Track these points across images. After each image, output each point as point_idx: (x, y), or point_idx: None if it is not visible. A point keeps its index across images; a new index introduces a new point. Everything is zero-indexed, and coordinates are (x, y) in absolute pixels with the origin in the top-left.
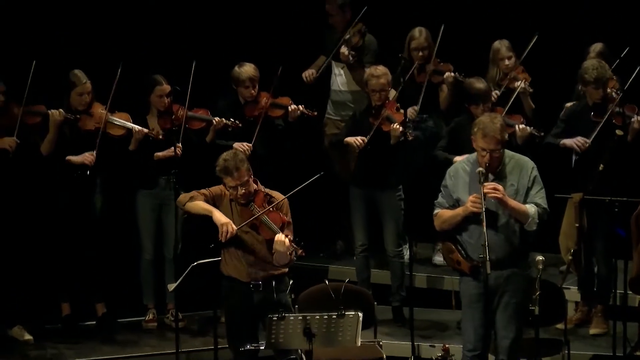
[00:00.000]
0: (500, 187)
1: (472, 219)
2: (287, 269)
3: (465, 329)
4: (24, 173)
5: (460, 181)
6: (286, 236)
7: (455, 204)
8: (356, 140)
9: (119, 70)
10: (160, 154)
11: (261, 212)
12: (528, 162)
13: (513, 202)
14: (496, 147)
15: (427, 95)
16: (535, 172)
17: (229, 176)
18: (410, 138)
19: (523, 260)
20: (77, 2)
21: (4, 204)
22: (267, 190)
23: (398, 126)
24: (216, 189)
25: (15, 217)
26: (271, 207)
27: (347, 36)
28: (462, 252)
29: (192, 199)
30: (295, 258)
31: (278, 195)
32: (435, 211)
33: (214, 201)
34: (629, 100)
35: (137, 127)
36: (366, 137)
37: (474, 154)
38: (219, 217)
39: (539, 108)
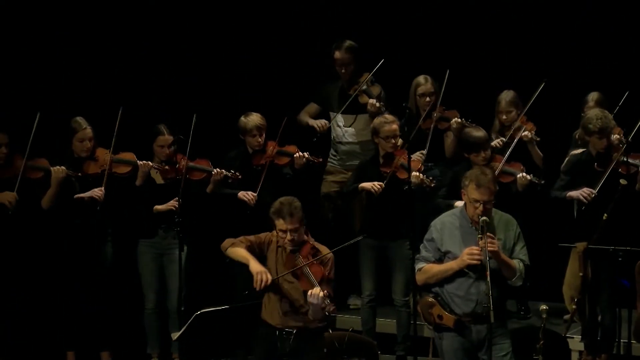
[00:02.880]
0: (495, 240)
1: (459, 271)
2: (322, 324)
3: None
4: (26, 224)
5: (448, 234)
6: (322, 290)
7: (442, 257)
8: (374, 185)
9: (119, 114)
10: (160, 207)
11: (304, 264)
12: (512, 219)
13: (504, 256)
14: (490, 198)
15: (433, 143)
16: (519, 229)
17: (281, 219)
18: (432, 185)
19: (503, 313)
20: (82, 49)
21: (6, 254)
22: (315, 243)
23: (418, 173)
24: (265, 235)
25: (19, 266)
26: (315, 260)
27: (364, 87)
28: (446, 306)
29: (233, 244)
30: (327, 314)
31: (324, 249)
32: (420, 265)
33: (260, 247)
34: (633, 149)
35: (142, 162)
36: (383, 182)
37: (459, 208)
38: (254, 265)
39: (547, 156)
